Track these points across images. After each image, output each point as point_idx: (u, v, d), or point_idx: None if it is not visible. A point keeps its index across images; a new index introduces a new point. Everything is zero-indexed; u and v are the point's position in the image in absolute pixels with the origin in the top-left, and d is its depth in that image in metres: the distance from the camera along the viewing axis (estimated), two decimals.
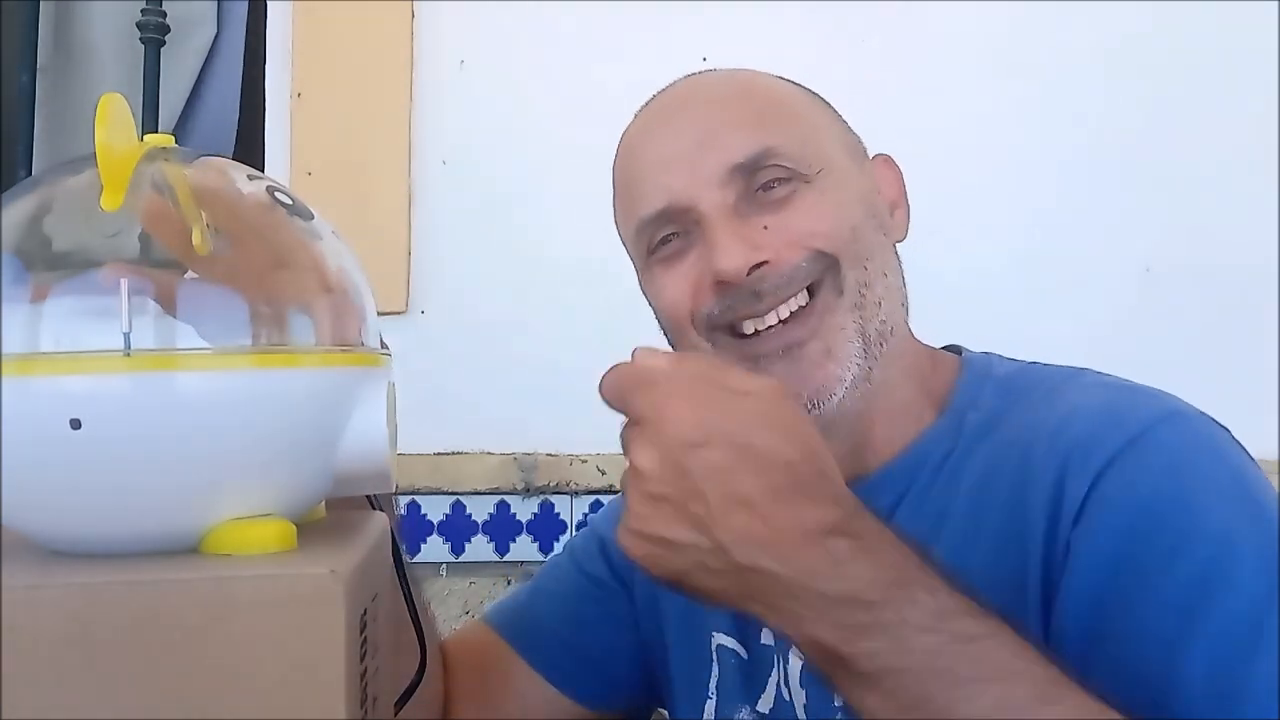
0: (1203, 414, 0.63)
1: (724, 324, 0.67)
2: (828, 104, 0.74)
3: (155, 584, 0.37)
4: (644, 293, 0.74)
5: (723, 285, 0.65)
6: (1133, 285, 1.44)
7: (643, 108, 0.74)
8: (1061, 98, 1.44)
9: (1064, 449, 0.61)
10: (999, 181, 1.42)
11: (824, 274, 0.65)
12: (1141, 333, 1.42)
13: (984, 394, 0.69)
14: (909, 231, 0.73)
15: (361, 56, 1.39)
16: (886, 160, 0.75)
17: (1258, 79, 1.45)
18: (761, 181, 0.66)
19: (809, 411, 0.65)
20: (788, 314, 0.66)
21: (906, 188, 0.75)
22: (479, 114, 1.40)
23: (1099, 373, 0.70)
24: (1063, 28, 1.44)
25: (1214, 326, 1.43)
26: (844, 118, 0.74)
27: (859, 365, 0.66)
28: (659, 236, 0.69)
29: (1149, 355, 1.40)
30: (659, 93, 0.73)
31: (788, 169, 0.66)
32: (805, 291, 0.66)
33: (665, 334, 0.73)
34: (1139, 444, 0.59)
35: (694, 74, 0.74)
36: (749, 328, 0.66)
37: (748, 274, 0.64)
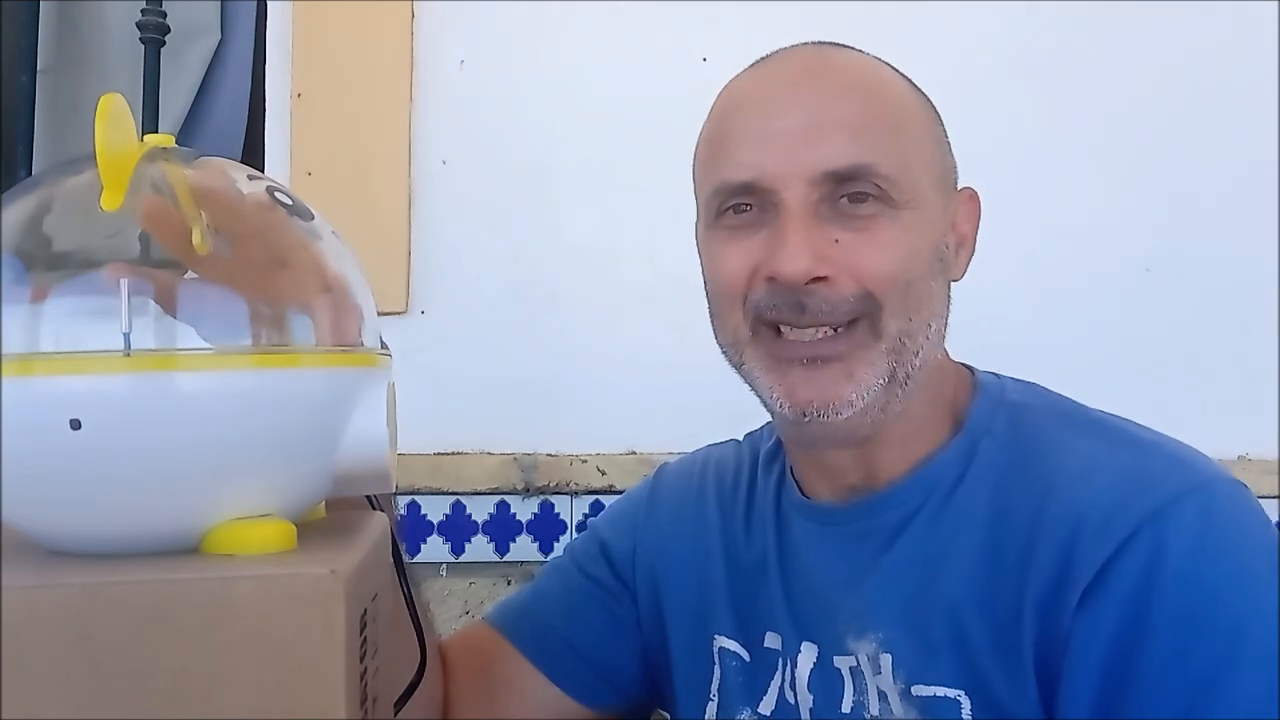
0: (1230, 481, 0.62)
1: (768, 320, 0.66)
2: (938, 119, 0.72)
3: (155, 584, 0.37)
4: (698, 245, 0.73)
5: (776, 282, 0.65)
6: (1133, 285, 1.44)
7: (761, 61, 0.72)
8: (1061, 98, 1.44)
9: (1079, 510, 0.61)
10: (998, 182, 1.41)
11: (865, 315, 0.65)
12: (1141, 333, 1.42)
13: (998, 421, 0.69)
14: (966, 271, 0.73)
15: (361, 56, 1.39)
16: (972, 195, 0.74)
17: (1258, 79, 1.45)
18: (850, 191, 0.65)
19: (814, 418, 0.65)
20: (823, 334, 0.65)
21: (980, 226, 0.74)
22: (479, 114, 1.40)
23: (1103, 413, 0.70)
24: (1063, 29, 1.44)
25: (1214, 326, 1.43)
26: (946, 135, 0.73)
27: (877, 396, 0.65)
28: (732, 203, 0.68)
29: (1149, 355, 1.40)
30: (781, 52, 0.71)
31: (881, 189, 0.65)
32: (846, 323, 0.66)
33: (708, 297, 0.72)
34: (1158, 523, 0.59)
35: (821, 46, 0.72)
36: (791, 334, 0.66)
37: (805, 283, 0.64)
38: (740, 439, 0.87)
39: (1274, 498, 1.31)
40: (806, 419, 0.65)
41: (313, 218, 0.47)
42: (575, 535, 1.31)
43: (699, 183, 0.72)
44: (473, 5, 1.41)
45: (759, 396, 0.70)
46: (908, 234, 0.66)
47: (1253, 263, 1.44)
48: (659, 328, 1.36)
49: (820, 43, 0.72)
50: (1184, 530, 0.58)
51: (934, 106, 0.73)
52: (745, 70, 0.72)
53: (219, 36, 1.49)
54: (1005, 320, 1.36)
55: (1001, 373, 0.75)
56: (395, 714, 0.55)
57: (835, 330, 0.65)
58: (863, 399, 0.65)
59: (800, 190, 0.64)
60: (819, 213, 0.65)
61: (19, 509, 0.41)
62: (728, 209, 0.68)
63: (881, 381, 0.65)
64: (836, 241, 0.64)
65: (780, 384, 0.66)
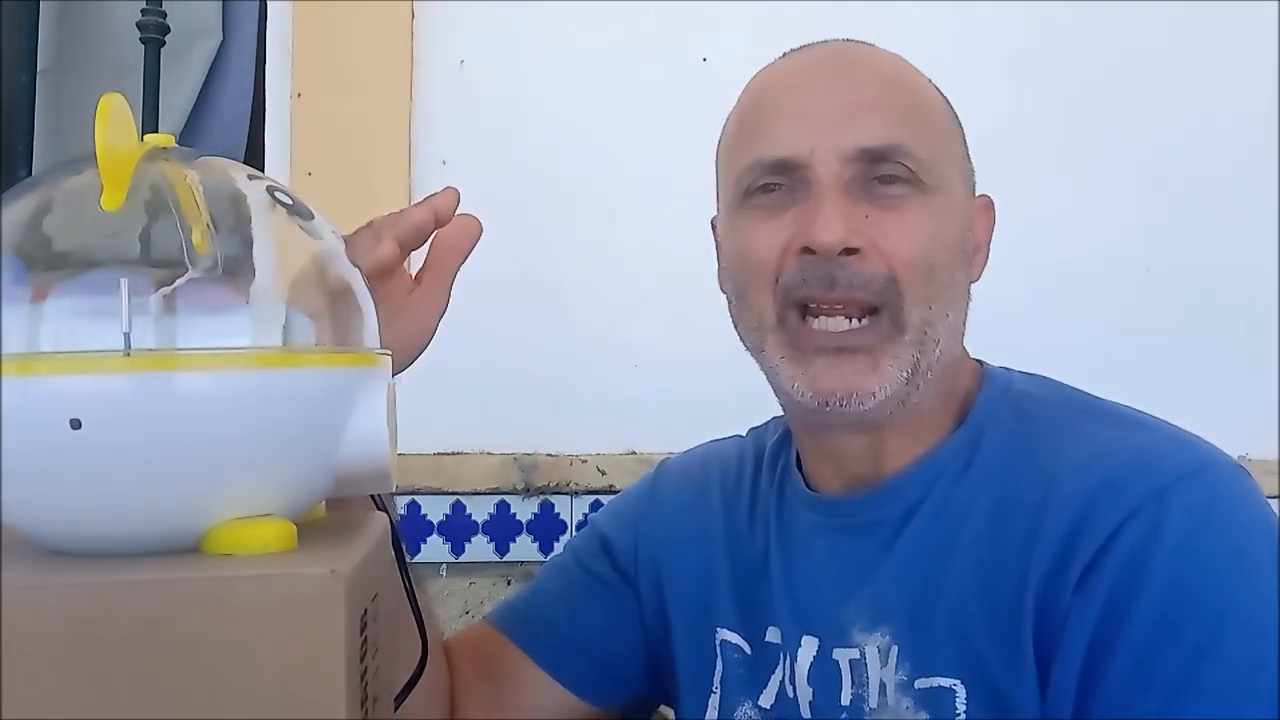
0: (1233, 465, 0.63)
1: (796, 299, 0.66)
2: (959, 123, 0.74)
3: (155, 584, 0.37)
4: (716, 229, 0.73)
5: (809, 254, 0.65)
6: (1133, 285, 1.44)
7: (791, 52, 0.73)
8: (1061, 97, 1.44)
9: (1084, 494, 0.61)
10: (999, 183, 1.41)
11: (887, 305, 0.65)
12: (1141, 333, 1.42)
13: (1003, 411, 0.70)
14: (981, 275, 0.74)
15: (361, 56, 1.39)
16: (987, 203, 0.75)
17: (1258, 79, 1.45)
18: (881, 173, 0.66)
19: (835, 407, 0.65)
20: (851, 324, 0.66)
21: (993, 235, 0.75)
22: (479, 114, 1.40)
23: (1110, 402, 0.70)
24: (1064, 30, 1.44)
25: (1214, 326, 1.43)
26: (965, 141, 0.74)
27: (899, 390, 0.66)
28: (762, 182, 0.68)
29: (1149, 355, 1.40)
30: (810, 45, 0.73)
31: (911, 171, 0.66)
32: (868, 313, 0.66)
33: (729, 278, 0.72)
34: (1158, 502, 0.59)
35: (851, 41, 0.73)
36: (816, 323, 0.66)
37: (838, 253, 0.64)
38: (744, 434, 0.88)
39: (1274, 498, 1.31)
40: (829, 408, 0.65)
41: (313, 218, 0.47)
42: (575, 535, 1.31)
43: (725, 165, 0.73)
44: (473, 5, 1.41)
45: (773, 384, 0.70)
46: (934, 219, 0.67)
47: (1253, 263, 1.44)
48: (659, 327, 1.36)
49: (849, 39, 0.74)
50: (1183, 509, 0.59)
51: (956, 115, 0.74)
52: (777, 60, 0.73)
53: (220, 37, 1.49)
54: (1005, 320, 1.36)
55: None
56: (395, 709, 0.55)
57: (860, 321, 0.66)
58: (885, 391, 0.65)
59: (835, 166, 0.65)
60: (850, 191, 0.66)
61: (19, 509, 0.41)
62: (757, 188, 0.68)
63: (904, 375, 0.66)
64: (866, 217, 0.65)
65: (803, 373, 0.66)
